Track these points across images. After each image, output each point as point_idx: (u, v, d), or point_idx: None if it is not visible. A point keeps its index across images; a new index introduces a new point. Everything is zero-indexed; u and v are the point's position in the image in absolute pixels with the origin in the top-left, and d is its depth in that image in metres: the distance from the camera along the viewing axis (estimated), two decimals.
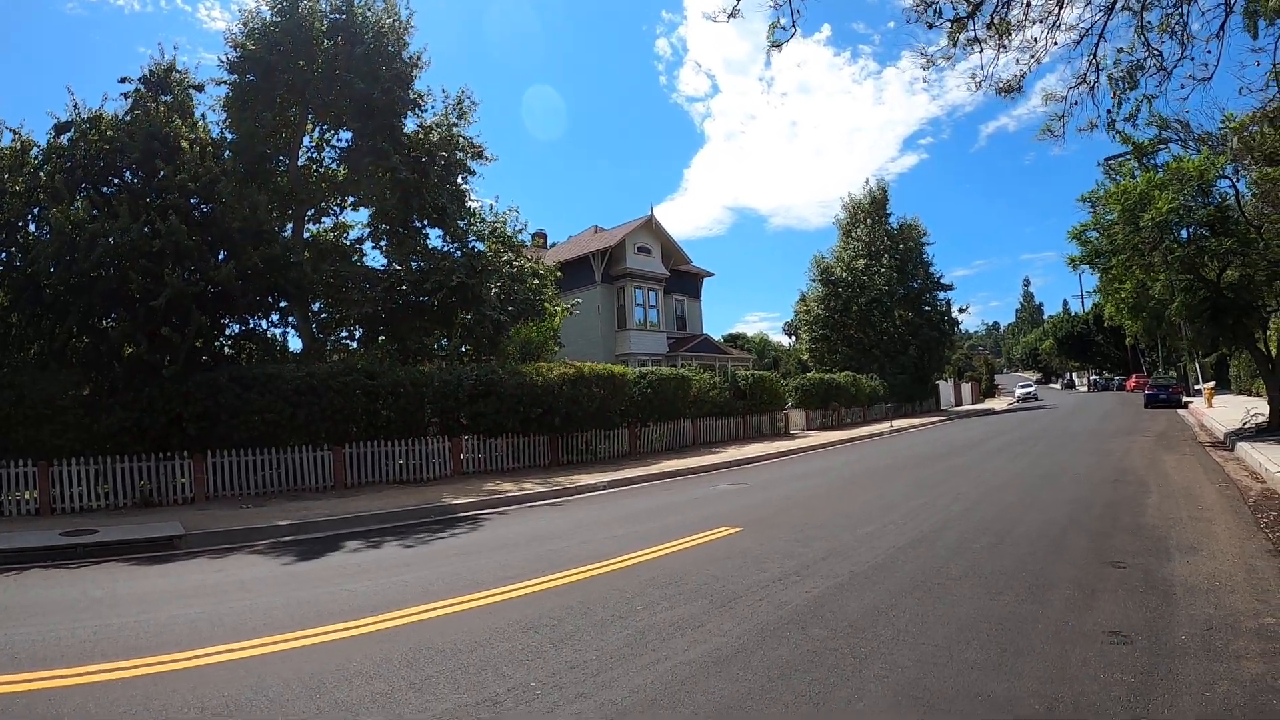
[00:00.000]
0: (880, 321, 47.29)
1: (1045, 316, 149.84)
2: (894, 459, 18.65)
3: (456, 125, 22.58)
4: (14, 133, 16.46)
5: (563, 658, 4.79)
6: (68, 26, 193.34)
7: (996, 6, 9.15)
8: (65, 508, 13.52)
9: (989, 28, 9.22)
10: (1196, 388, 45.45)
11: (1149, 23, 9.08)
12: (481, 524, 11.47)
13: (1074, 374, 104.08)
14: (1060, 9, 9.16)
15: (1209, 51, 9.07)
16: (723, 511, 11.05)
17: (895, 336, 47.48)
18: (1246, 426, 19.01)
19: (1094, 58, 9.57)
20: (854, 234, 50.19)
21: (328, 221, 24.42)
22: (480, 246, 23.38)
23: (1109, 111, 9.90)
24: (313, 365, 17.34)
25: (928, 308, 49.86)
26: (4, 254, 15.93)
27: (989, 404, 64.23)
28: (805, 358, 52.03)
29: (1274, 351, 21.15)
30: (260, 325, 18.93)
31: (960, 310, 56.03)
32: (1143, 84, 9.50)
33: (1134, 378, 69.59)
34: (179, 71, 18.29)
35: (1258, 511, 9.00)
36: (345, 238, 24.45)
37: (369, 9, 20.59)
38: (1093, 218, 20.60)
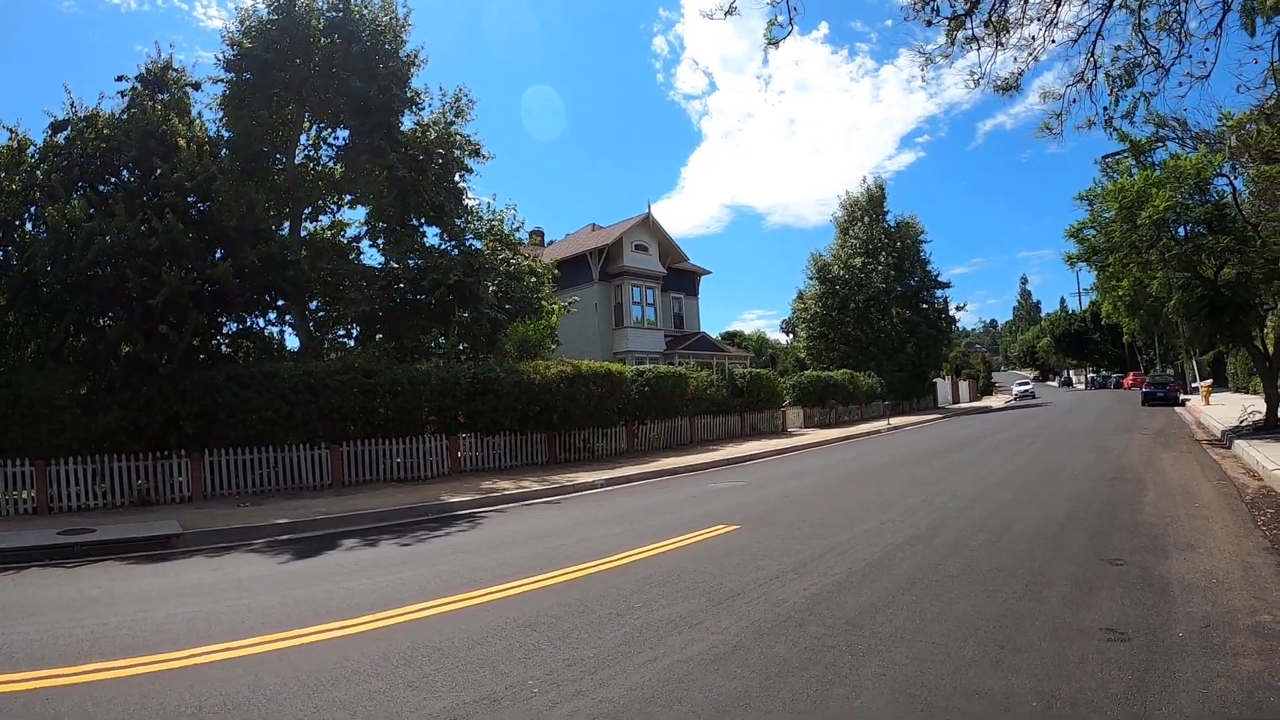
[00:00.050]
0: (878, 319, 47.33)
1: (1043, 314, 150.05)
2: (891, 456, 18.66)
3: (454, 123, 22.57)
4: (10, 131, 16.44)
5: (560, 656, 4.78)
6: (65, 25, 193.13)
7: (994, 4, 9.16)
8: (62, 507, 13.49)
9: (987, 25, 9.23)
10: (1194, 385, 45.49)
11: (1147, 20, 9.09)
12: (479, 522, 11.46)
13: (1071, 372, 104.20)
14: (1058, 7, 9.18)
15: (1207, 49, 9.09)
16: (720, 509, 11.05)
17: (892, 334, 47.53)
18: (1244, 424, 19.02)
19: (1092, 55, 9.58)
20: (851, 232, 50.20)
21: (325, 220, 24.45)
22: (478, 245, 23.36)
23: (1106, 109, 9.92)
24: (310, 364, 17.30)
25: (925, 305, 49.93)
26: (1, 253, 15.89)
27: (986, 402, 64.33)
28: (803, 355, 52.07)
29: (1271, 349, 21.17)
30: (257, 324, 18.91)
31: (957, 308, 56.22)
32: (1140, 82, 9.52)
33: (1131, 375, 69.79)
34: (176, 70, 18.23)
35: (1255, 509, 9.01)
36: (342, 236, 24.44)
37: (366, 7, 20.55)
38: (1090, 215, 20.60)
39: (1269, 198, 17.26)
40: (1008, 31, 9.35)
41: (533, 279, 24.79)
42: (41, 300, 15.10)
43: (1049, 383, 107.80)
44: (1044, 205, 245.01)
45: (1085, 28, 9.41)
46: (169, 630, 5.85)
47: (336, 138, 22.76)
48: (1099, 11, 9.25)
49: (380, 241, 23.01)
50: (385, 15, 20.77)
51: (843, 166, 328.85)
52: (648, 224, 39.77)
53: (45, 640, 5.68)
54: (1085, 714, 3.66)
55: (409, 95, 21.53)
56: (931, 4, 9.11)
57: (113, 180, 16.18)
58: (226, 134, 20.37)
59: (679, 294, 43.50)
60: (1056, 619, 5.11)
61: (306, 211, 22.96)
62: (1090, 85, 9.82)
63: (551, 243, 46.72)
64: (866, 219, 50.18)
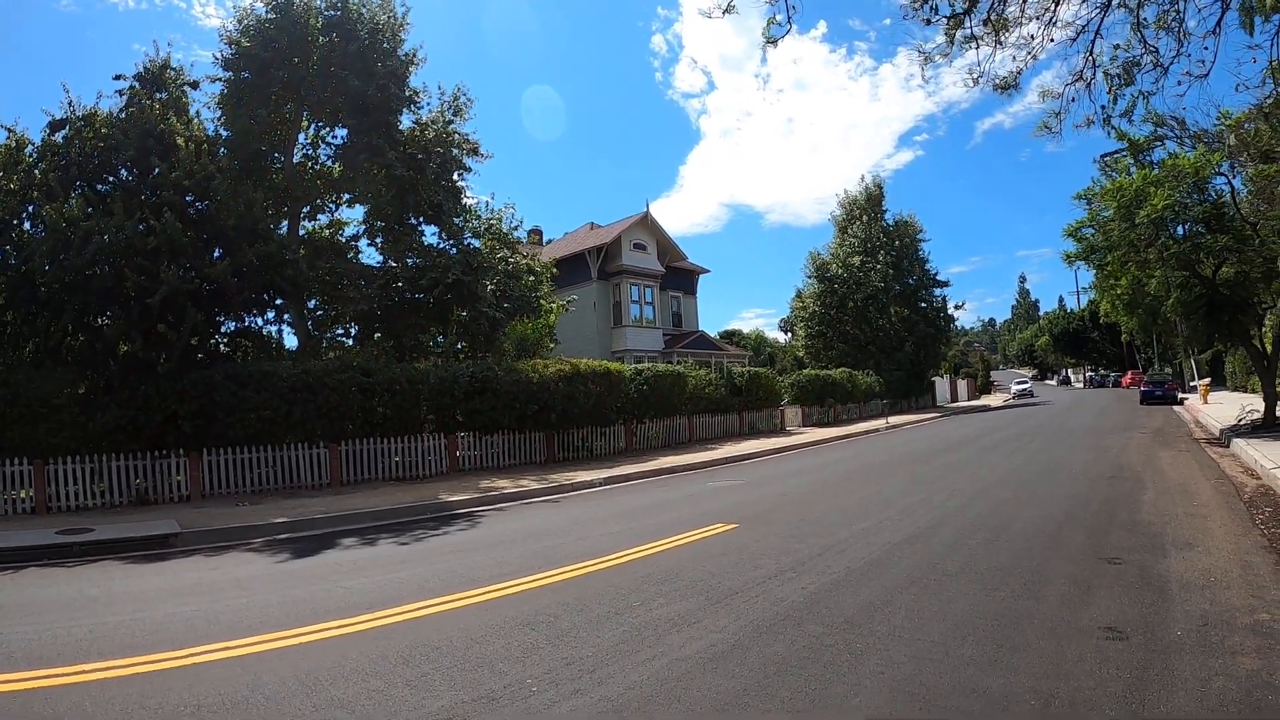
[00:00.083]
0: (876, 318, 47.32)
1: (1041, 313, 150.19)
2: (890, 455, 18.67)
3: (452, 122, 22.58)
4: (9, 130, 16.42)
5: (559, 654, 4.79)
6: (63, 24, 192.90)
7: (993, 3, 9.16)
8: (61, 506, 13.48)
9: (985, 24, 9.23)
10: (1192, 384, 45.53)
11: (1145, 19, 9.09)
12: (478, 521, 11.46)
13: (1070, 370, 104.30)
14: (1057, 6, 9.18)
15: (1205, 48, 9.10)
16: (718, 508, 11.05)
17: (891, 333, 47.53)
18: (1242, 423, 19.04)
19: (1091, 54, 9.58)
20: (850, 230, 50.17)
21: (323, 219, 24.43)
22: (476, 243, 23.36)
23: (1104, 108, 9.92)
24: (308, 363, 17.29)
25: (924, 304, 49.91)
26: None
27: (985, 400, 64.38)
28: (801, 354, 52.07)
29: (1269, 348, 21.19)
30: (256, 323, 18.87)
31: (956, 307, 56.13)
32: (1139, 80, 9.52)
33: (1130, 374, 69.83)
34: (174, 69, 18.20)
35: (1253, 508, 9.02)
36: (341, 235, 24.42)
37: (364, 6, 20.54)
38: (1088, 214, 20.62)
39: (1267, 196, 17.29)
40: (1007, 30, 9.35)
41: (531, 278, 24.78)
42: (39, 299, 15.08)
43: (1047, 381, 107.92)
44: (1043, 204, 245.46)
45: (1084, 26, 9.42)
46: (168, 629, 5.85)
47: (335, 136, 22.76)
48: (1098, 10, 9.25)
49: (378, 240, 23.01)
50: (383, 14, 20.76)
51: (841, 165, 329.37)
52: (646, 223, 39.77)
53: (44, 640, 5.67)
54: (1084, 712, 3.67)
55: (407, 94, 21.53)
56: (930, 3, 9.10)
57: (111, 179, 16.16)
58: (225, 133, 20.35)
59: (677, 293, 43.51)
60: (1055, 618, 5.12)
61: (305, 210, 22.94)
62: (1089, 84, 9.82)
63: (550, 241, 46.71)
64: (865, 218, 50.16)
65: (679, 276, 43.42)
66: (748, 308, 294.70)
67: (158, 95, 17.25)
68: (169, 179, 15.44)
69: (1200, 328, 22.26)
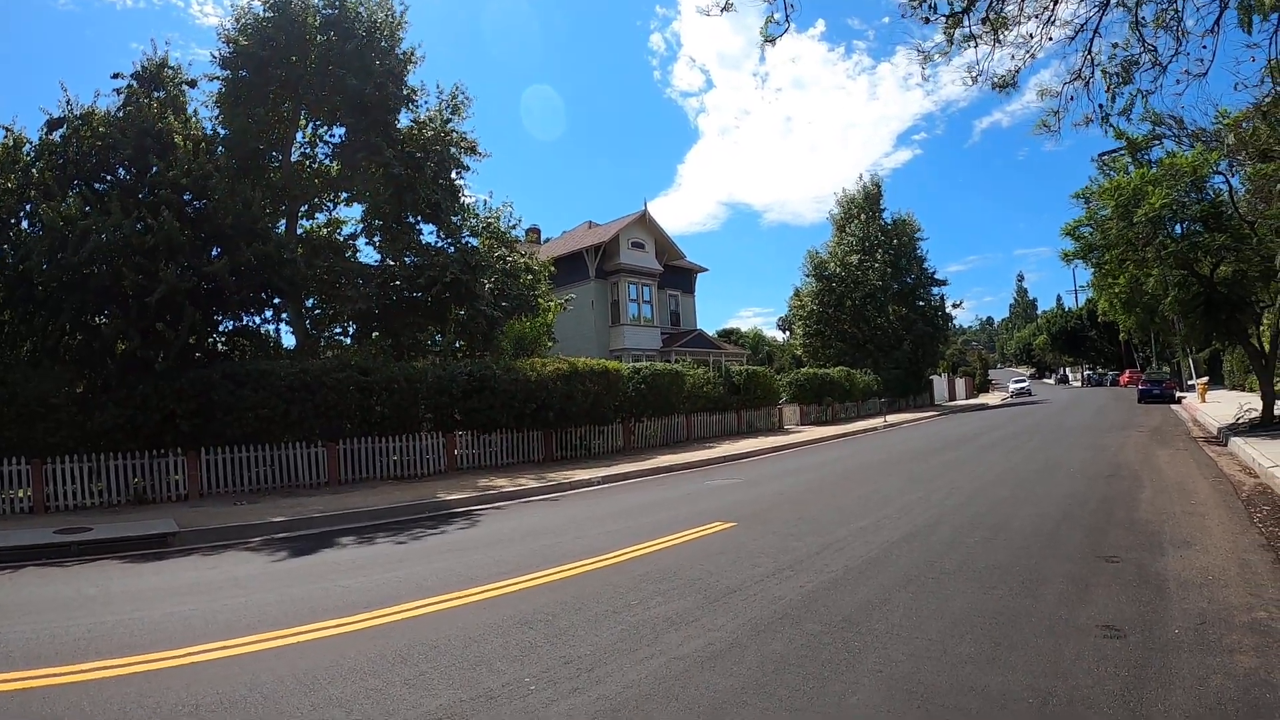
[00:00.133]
0: (874, 317, 47.36)
1: (1039, 312, 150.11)
2: (888, 454, 18.68)
3: (450, 121, 22.55)
4: (6, 129, 16.39)
5: (557, 653, 4.79)
6: (60, 22, 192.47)
7: (992, 2, 9.14)
8: (59, 506, 13.46)
9: (984, 23, 9.21)
10: (1190, 383, 45.54)
11: (1144, 18, 9.08)
12: (476, 520, 11.46)
13: (1068, 369, 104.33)
14: (1055, 4, 9.16)
15: (1204, 47, 9.08)
16: (717, 506, 11.05)
17: (889, 331, 47.56)
18: (1240, 422, 19.07)
19: (1089, 53, 9.57)
20: (848, 229, 50.21)
21: (321, 217, 24.41)
22: (474, 242, 23.38)
23: (1103, 107, 9.90)
24: (306, 361, 17.28)
25: (922, 303, 49.95)
26: None
27: (983, 399, 64.41)
28: (799, 353, 52.11)
29: (1267, 347, 21.22)
30: (254, 321, 18.87)
31: (954, 305, 56.17)
32: (1138, 79, 9.50)
33: (1128, 373, 69.86)
34: (171, 67, 18.20)
35: (1251, 506, 9.03)
36: (339, 233, 24.38)
37: (361, 4, 20.50)
38: (1086, 213, 20.64)
39: (1265, 195, 17.28)
40: (1005, 29, 9.33)
41: (529, 276, 24.80)
42: (37, 298, 15.05)
43: (1045, 380, 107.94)
44: (1041, 203, 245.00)
45: (1083, 25, 9.40)
46: (166, 629, 5.85)
47: (332, 135, 22.72)
48: (1096, 9, 9.25)
49: (376, 239, 22.97)
50: (381, 12, 20.73)
51: (840, 164, 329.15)
52: (644, 221, 39.77)
53: (42, 639, 5.67)
54: (1081, 711, 3.67)
55: (405, 93, 21.51)
56: (928, 1, 9.08)
57: (108, 178, 16.13)
58: (222, 131, 20.30)
59: (675, 291, 43.52)
60: (1053, 616, 5.12)
61: (303, 209, 22.93)
62: (1087, 83, 9.81)
63: (548, 240, 46.71)
64: (863, 216, 50.20)
65: (677, 275, 43.42)
66: (746, 306, 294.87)
67: (155, 94, 17.25)
68: (167, 178, 15.42)
69: (1198, 326, 22.27)
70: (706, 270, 46.94)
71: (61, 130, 16.23)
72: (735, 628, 5.16)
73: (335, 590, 6.92)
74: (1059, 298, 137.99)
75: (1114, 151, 20.21)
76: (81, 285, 14.50)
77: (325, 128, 22.63)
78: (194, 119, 18.41)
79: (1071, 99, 10.06)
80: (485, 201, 26.49)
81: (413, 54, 21.53)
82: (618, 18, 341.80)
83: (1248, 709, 3.61)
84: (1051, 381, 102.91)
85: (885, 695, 3.94)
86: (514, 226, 26.35)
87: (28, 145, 16.39)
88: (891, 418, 35.64)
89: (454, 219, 22.57)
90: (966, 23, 9.21)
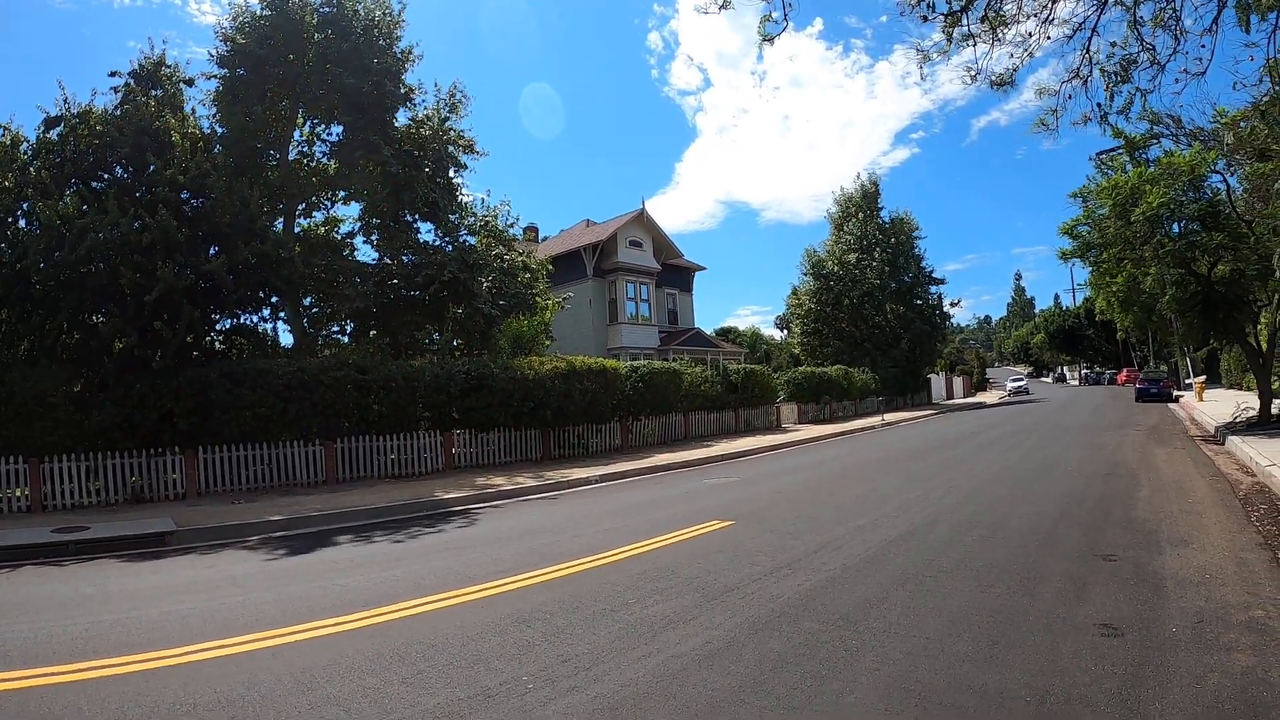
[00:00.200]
0: (872, 315, 47.38)
1: (1037, 310, 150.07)
2: (886, 452, 18.69)
3: (448, 119, 22.56)
4: (4, 128, 16.35)
5: (555, 651, 4.79)
6: (57, 21, 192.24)
7: (990, 1, 9.14)
8: (57, 505, 13.45)
9: (983, 21, 9.21)
10: (1187, 382, 45.55)
11: (1142, 18, 9.08)
12: (473, 518, 11.46)
13: (1065, 368, 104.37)
14: (1054, 3, 9.16)
15: (1203, 46, 9.07)
16: (714, 505, 11.05)
17: (887, 330, 47.58)
18: (1237, 420, 19.09)
19: (1087, 52, 9.57)
20: (846, 228, 50.21)
21: (319, 216, 24.44)
22: (471, 241, 23.37)
23: (1100, 105, 9.91)
24: (304, 360, 17.28)
25: (919, 301, 49.97)
26: None
27: (980, 398, 64.49)
28: (797, 351, 52.14)
29: (1264, 346, 21.24)
30: (251, 320, 18.88)
31: (952, 304, 56.12)
32: (1136, 78, 9.49)
33: (1125, 372, 69.91)
34: (169, 66, 18.19)
35: (1248, 505, 9.04)
36: (336, 232, 24.39)
37: (359, 2, 20.50)
38: (1084, 212, 20.65)
39: (1263, 194, 17.27)
40: (1004, 27, 9.33)
41: (527, 275, 24.80)
42: (34, 297, 15.03)
43: (1043, 379, 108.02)
44: (1039, 202, 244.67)
45: (1081, 24, 9.40)
46: (163, 628, 5.84)
47: (330, 134, 22.71)
48: (1094, 8, 9.25)
49: (374, 238, 22.96)
50: (379, 11, 20.73)
51: (837, 163, 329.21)
52: (642, 220, 39.75)
53: (40, 638, 5.66)
54: (1079, 709, 3.67)
55: (403, 91, 21.49)
56: (926, 0, 9.09)
57: (106, 176, 16.10)
58: (220, 130, 20.29)
59: (673, 290, 43.52)
60: (1050, 614, 5.13)
61: (300, 208, 22.94)
62: (1086, 81, 9.81)
63: (546, 239, 46.68)
64: (861, 215, 50.21)
65: (675, 274, 43.42)
66: (744, 305, 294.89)
67: (153, 92, 17.23)
68: (164, 176, 15.40)
69: (1195, 325, 22.30)
70: (704, 269, 46.98)
71: (59, 129, 16.20)
72: (733, 626, 5.16)
73: (333, 589, 6.92)
74: (1057, 296, 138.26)
75: (1112, 150, 20.21)
76: (79, 284, 14.49)
77: (323, 126, 22.62)
78: (191, 117, 18.39)
79: (1070, 98, 10.06)
80: (483, 200, 26.51)
81: (410, 52, 21.52)
82: (616, 16, 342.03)
83: (1245, 707, 3.62)
84: (1049, 380, 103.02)
85: (883, 694, 3.94)
86: (512, 225, 26.34)
87: (25, 144, 16.35)
88: (889, 416, 35.67)
89: (452, 217, 22.57)
90: (965, 21, 9.21)
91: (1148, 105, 10.17)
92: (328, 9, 20.09)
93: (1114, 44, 9.52)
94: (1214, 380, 45.95)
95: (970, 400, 59.76)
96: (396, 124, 21.42)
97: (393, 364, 18.25)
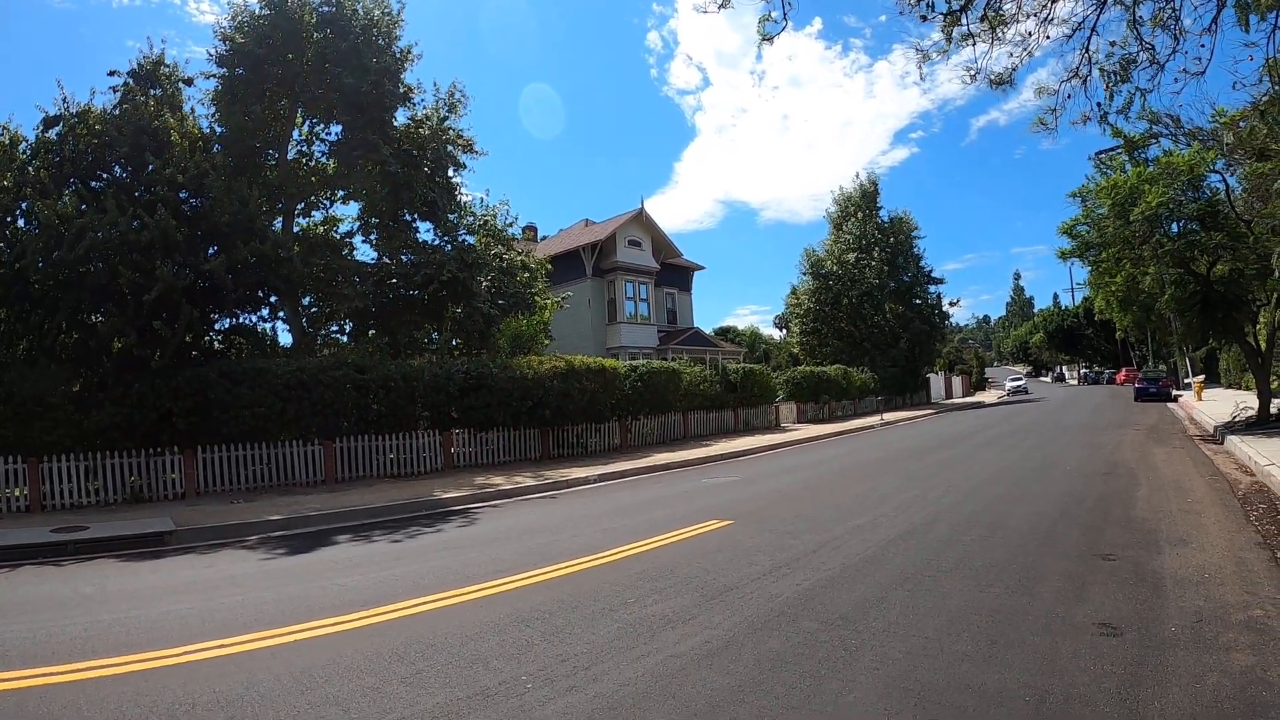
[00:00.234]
0: (871, 315, 47.40)
1: (1036, 310, 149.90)
2: (885, 452, 18.69)
3: (447, 119, 22.57)
4: (2, 127, 16.29)
5: (554, 651, 4.78)
6: (56, 20, 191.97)
7: (990, 0, 9.14)
8: (56, 504, 13.43)
9: (982, 20, 9.20)
10: (1186, 381, 45.58)
11: (1141, 17, 9.07)
12: (472, 518, 11.45)
13: (1064, 367, 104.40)
14: (1053, 2, 9.15)
15: (1202, 45, 9.07)
16: (713, 504, 11.05)
17: (886, 330, 47.61)
18: (1236, 420, 19.09)
19: (1086, 51, 9.56)
20: (845, 227, 50.25)
21: (318, 215, 24.41)
22: (470, 240, 23.39)
23: (1100, 105, 9.90)
24: (303, 360, 17.27)
25: (918, 301, 50.00)
26: None
27: (979, 397, 64.52)
28: (796, 351, 52.15)
29: (1263, 345, 21.24)
30: (250, 320, 18.83)
31: (951, 304, 56.17)
32: (1135, 77, 9.49)
33: (1124, 371, 69.91)
34: (168, 65, 18.20)
35: (1247, 504, 9.04)
36: (335, 231, 24.38)
37: (358, 2, 20.49)
38: (1083, 211, 20.65)
39: (1262, 194, 17.28)
40: (1004, 27, 9.32)
41: (526, 274, 24.81)
42: (33, 297, 15.00)
43: (1042, 378, 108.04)
44: (1038, 201, 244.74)
45: (1080, 23, 9.39)
46: (163, 627, 5.84)
47: (329, 133, 22.71)
48: (1094, 8, 9.24)
49: (373, 237, 22.97)
50: (378, 10, 20.72)
51: (836, 162, 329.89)
52: (641, 219, 39.75)
53: (39, 638, 5.66)
54: (1078, 709, 3.67)
55: (402, 91, 21.49)
56: (926, 0, 9.08)
57: (105, 176, 16.09)
58: (219, 129, 20.28)
59: (672, 289, 43.52)
60: (1049, 614, 5.13)
61: (299, 207, 22.92)
62: (1085, 81, 9.80)
63: (545, 238, 46.67)
64: (860, 214, 50.24)
65: (674, 273, 43.42)
66: (743, 304, 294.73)
67: (152, 92, 17.23)
68: (163, 175, 15.39)
69: (1194, 325, 22.29)
70: (703, 268, 46.98)
71: (58, 128, 16.18)
72: (732, 626, 5.16)
73: (332, 589, 6.91)
74: (1056, 296, 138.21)
75: (1111, 150, 20.20)
76: (78, 283, 14.47)
77: (322, 125, 22.62)
78: (190, 117, 18.36)
79: (1069, 97, 10.06)
80: (482, 199, 26.55)
81: (409, 52, 21.52)
82: (615, 16, 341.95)
83: (1244, 707, 3.62)
84: (1048, 380, 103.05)
85: (882, 693, 3.94)
86: (511, 224, 26.35)
87: (24, 143, 16.30)
88: (888, 416, 35.67)
89: (451, 217, 22.57)
90: (964, 21, 9.20)
91: (1147, 105, 10.15)
92: (327, 8, 20.09)
93: (1113, 43, 9.52)
94: (1213, 380, 45.94)
95: (969, 400, 59.78)
96: (395, 123, 21.42)
97: (392, 363, 18.24)
